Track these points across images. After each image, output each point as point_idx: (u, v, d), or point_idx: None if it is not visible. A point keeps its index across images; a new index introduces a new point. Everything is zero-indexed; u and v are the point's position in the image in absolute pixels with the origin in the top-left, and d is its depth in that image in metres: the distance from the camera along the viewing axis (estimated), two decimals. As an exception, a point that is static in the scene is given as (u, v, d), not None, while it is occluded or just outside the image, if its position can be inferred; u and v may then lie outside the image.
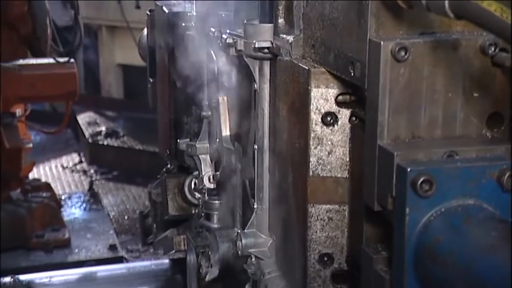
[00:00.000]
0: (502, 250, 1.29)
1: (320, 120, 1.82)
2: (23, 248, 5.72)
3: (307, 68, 1.83)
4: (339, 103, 1.81)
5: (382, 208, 1.55)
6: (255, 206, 2.26)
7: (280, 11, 2.03)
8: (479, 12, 1.28)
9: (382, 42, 1.51)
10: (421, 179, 1.40)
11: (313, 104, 1.81)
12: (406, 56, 1.51)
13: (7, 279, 3.58)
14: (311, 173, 1.84)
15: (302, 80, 1.85)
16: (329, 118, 1.81)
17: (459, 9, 1.33)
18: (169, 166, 3.41)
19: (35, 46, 4.62)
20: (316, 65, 1.84)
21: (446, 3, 1.34)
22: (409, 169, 1.42)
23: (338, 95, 1.81)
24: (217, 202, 2.78)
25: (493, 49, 1.54)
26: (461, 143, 1.53)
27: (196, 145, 2.88)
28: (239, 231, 2.34)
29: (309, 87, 1.81)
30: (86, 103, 9.32)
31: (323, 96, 1.81)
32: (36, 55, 4.87)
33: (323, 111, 1.81)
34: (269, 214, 2.23)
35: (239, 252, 2.28)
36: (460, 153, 1.50)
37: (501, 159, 1.47)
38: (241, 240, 2.25)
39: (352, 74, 1.66)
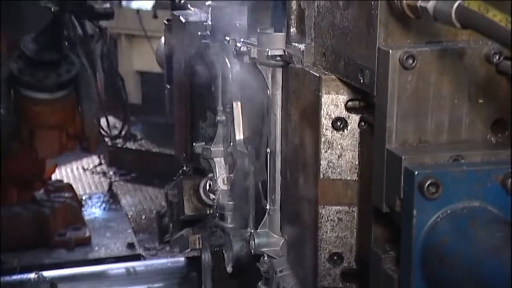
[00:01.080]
0: (506, 251, 1.28)
1: (330, 125, 1.81)
2: (46, 246, 5.74)
3: (318, 75, 1.83)
4: (348, 109, 1.81)
5: (390, 210, 1.54)
6: (267, 207, 2.26)
7: (292, 21, 2.03)
8: (484, 22, 1.27)
9: (390, 51, 1.50)
10: (428, 182, 1.40)
11: (323, 109, 1.81)
12: (413, 64, 1.51)
13: (31, 275, 3.59)
14: (321, 175, 1.84)
15: (313, 86, 1.85)
16: (339, 123, 1.81)
17: (465, 19, 1.32)
18: (185, 168, 3.41)
19: (84, 144, 4.59)
20: (326, 73, 1.83)
21: (453, 13, 1.33)
22: (416, 172, 1.41)
23: (348, 101, 1.80)
24: (231, 203, 2.78)
25: (497, 57, 1.53)
26: (466, 148, 1.52)
27: (211, 149, 2.88)
28: (252, 230, 2.33)
29: (320, 94, 1.80)
30: (106, 108, 9.33)
31: (334, 102, 1.80)
32: (84, 150, 4.82)
33: (333, 116, 1.81)
34: (281, 215, 2.22)
35: (252, 251, 2.27)
36: (466, 157, 1.49)
37: (505, 163, 1.46)
38: (254, 240, 2.24)
39: (362, 81, 1.65)
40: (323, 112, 1.81)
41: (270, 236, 2.24)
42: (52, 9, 3.68)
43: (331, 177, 1.84)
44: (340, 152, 1.82)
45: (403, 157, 1.47)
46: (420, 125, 1.54)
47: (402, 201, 1.47)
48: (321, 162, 1.83)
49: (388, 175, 1.53)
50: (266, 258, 2.25)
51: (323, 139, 1.82)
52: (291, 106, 2.05)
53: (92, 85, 4.54)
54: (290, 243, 2.16)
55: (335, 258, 1.87)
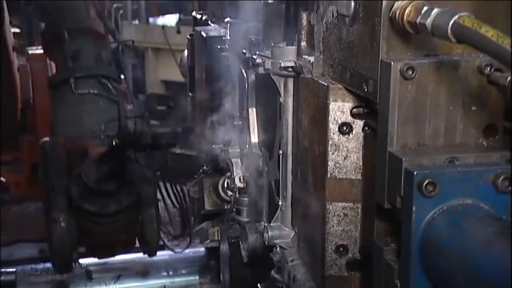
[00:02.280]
0: (498, 244, 1.27)
1: (337, 129, 1.80)
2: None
3: (326, 84, 1.82)
4: (353, 115, 1.80)
5: (391, 206, 1.53)
6: (279, 203, 2.25)
7: (303, 35, 2.03)
8: (478, 37, 1.26)
9: (392, 63, 1.50)
10: (426, 181, 1.39)
11: (331, 115, 1.80)
12: (413, 75, 1.50)
13: None
14: (329, 175, 1.83)
15: (321, 95, 1.84)
16: (345, 128, 1.80)
17: (460, 34, 1.31)
18: (205, 167, 3.41)
19: (143, 247, 4.23)
20: (334, 82, 1.83)
21: (449, 29, 1.32)
22: (415, 173, 1.40)
23: (353, 108, 1.79)
24: (246, 199, 2.78)
25: (489, 69, 1.52)
26: (461, 150, 1.51)
27: (229, 150, 2.88)
28: (265, 224, 2.33)
29: (327, 101, 1.80)
30: (134, 113, 9.36)
31: (340, 108, 1.80)
32: (145, 253, 4.41)
33: (340, 121, 1.80)
34: (292, 210, 2.21)
35: (266, 243, 2.27)
36: (460, 159, 1.48)
37: (496, 165, 1.45)
38: (267, 232, 2.24)
39: (366, 90, 1.65)
40: (331, 118, 1.80)
41: (282, 229, 2.24)
42: (114, 142, 3.26)
43: (337, 177, 1.83)
44: (346, 154, 1.82)
45: (403, 159, 1.46)
46: (419, 130, 1.53)
47: (402, 199, 1.46)
48: (329, 163, 1.82)
49: (390, 175, 1.52)
50: (278, 249, 2.24)
51: (330, 142, 1.81)
52: (302, 112, 2.04)
53: (151, 192, 4.08)
54: (300, 236, 2.16)
55: (341, 249, 1.86)
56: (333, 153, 1.82)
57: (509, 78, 1.47)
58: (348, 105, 1.79)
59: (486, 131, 1.56)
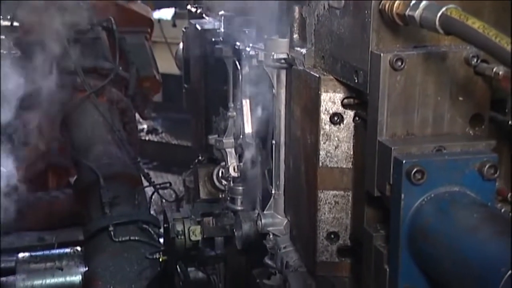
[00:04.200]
0: (483, 230, 1.28)
1: (328, 119, 1.81)
2: (80, 224, 5.73)
3: (317, 75, 1.82)
4: (344, 105, 1.80)
5: (381, 194, 1.54)
6: (272, 192, 2.25)
7: (295, 28, 2.02)
8: (465, 29, 1.27)
9: (382, 54, 1.50)
10: (415, 170, 1.39)
11: (322, 106, 1.80)
12: (402, 66, 1.50)
13: (67, 250, 3.59)
14: (320, 164, 1.84)
15: (313, 86, 1.84)
16: (336, 118, 1.80)
17: (448, 26, 1.31)
18: (200, 157, 3.41)
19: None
20: (325, 73, 1.83)
21: (437, 20, 1.33)
22: (404, 161, 1.41)
23: (344, 98, 1.80)
24: (240, 188, 2.78)
25: (475, 60, 1.53)
26: (448, 140, 1.52)
27: (223, 140, 2.88)
28: (259, 212, 2.33)
29: (319, 92, 1.80)
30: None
31: (331, 99, 1.80)
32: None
33: (331, 112, 1.80)
34: (285, 198, 2.22)
35: (259, 230, 2.27)
36: (447, 148, 1.48)
37: (482, 153, 1.46)
38: (261, 220, 2.25)
39: (356, 81, 1.65)
40: (322, 108, 1.80)
41: (275, 217, 2.24)
42: (161, 259, 3.03)
43: (329, 165, 1.83)
44: (337, 143, 1.82)
45: (392, 148, 1.47)
46: (407, 119, 1.54)
47: (391, 186, 1.47)
48: (320, 152, 1.83)
49: (379, 163, 1.53)
50: (271, 236, 2.25)
51: (322, 132, 1.81)
52: (294, 103, 2.04)
53: None
54: (293, 223, 2.16)
55: (332, 236, 1.87)
56: (324, 143, 1.82)
57: (495, 69, 1.47)
58: (339, 96, 1.79)
59: (472, 120, 1.57)
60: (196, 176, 3.29)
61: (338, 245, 1.87)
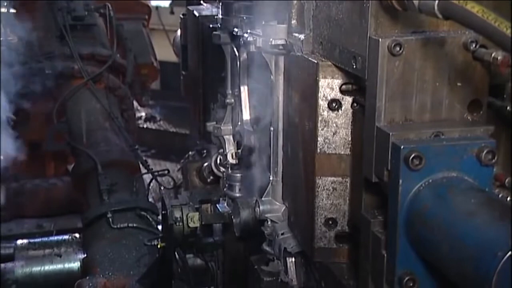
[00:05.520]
0: (480, 215, 1.28)
1: (326, 105, 1.80)
2: (78, 211, 5.74)
3: (316, 61, 1.81)
4: (342, 91, 1.80)
5: (378, 180, 1.54)
6: (270, 178, 2.25)
7: (293, 14, 2.01)
8: (463, 13, 1.26)
9: (380, 39, 1.49)
10: (413, 155, 1.39)
11: (320, 92, 1.80)
12: (400, 51, 1.49)
13: (66, 237, 3.59)
14: (318, 150, 1.83)
15: (311, 72, 1.83)
16: (334, 104, 1.80)
17: (447, 10, 1.30)
18: (197, 145, 3.41)
19: None
20: (323, 59, 1.82)
21: (436, 5, 1.32)
22: (402, 147, 1.41)
23: (342, 84, 1.79)
24: (238, 175, 2.78)
25: (474, 45, 1.52)
26: (446, 125, 1.51)
27: (221, 127, 2.87)
28: (257, 199, 2.33)
29: (317, 78, 1.79)
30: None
31: (329, 85, 1.79)
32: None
33: (329, 98, 1.80)
34: (283, 185, 2.22)
35: (257, 217, 2.27)
36: (445, 133, 1.48)
37: (480, 139, 1.46)
38: (259, 207, 2.25)
39: (354, 67, 1.64)
40: (320, 95, 1.80)
41: (273, 204, 2.24)
42: (159, 246, 2.95)
43: (327, 152, 1.83)
44: (335, 129, 1.82)
45: (390, 134, 1.46)
46: (405, 105, 1.53)
47: (389, 172, 1.47)
48: (318, 139, 1.82)
49: (377, 149, 1.52)
50: (269, 222, 2.25)
51: (320, 118, 1.81)
52: (292, 89, 2.04)
53: None
54: (291, 210, 2.16)
55: (330, 222, 1.87)
56: (322, 129, 1.82)
57: (493, 54, 1.47)
58: (337, 82, 1.79)
59: (470, 106, 1.57)
60: (186, 171, 3.30)
61: (336, 231, 1.87)
